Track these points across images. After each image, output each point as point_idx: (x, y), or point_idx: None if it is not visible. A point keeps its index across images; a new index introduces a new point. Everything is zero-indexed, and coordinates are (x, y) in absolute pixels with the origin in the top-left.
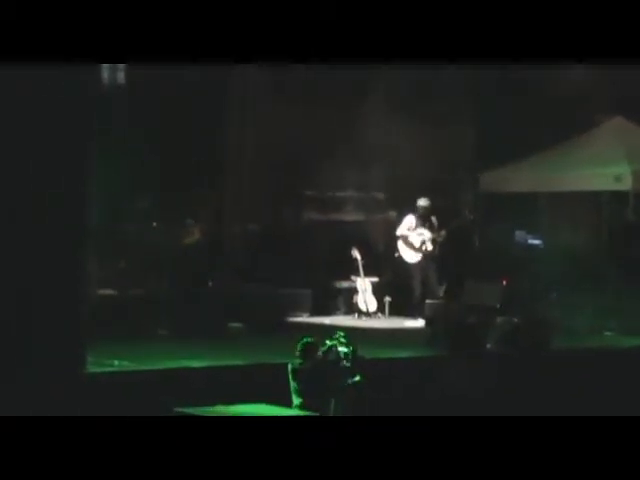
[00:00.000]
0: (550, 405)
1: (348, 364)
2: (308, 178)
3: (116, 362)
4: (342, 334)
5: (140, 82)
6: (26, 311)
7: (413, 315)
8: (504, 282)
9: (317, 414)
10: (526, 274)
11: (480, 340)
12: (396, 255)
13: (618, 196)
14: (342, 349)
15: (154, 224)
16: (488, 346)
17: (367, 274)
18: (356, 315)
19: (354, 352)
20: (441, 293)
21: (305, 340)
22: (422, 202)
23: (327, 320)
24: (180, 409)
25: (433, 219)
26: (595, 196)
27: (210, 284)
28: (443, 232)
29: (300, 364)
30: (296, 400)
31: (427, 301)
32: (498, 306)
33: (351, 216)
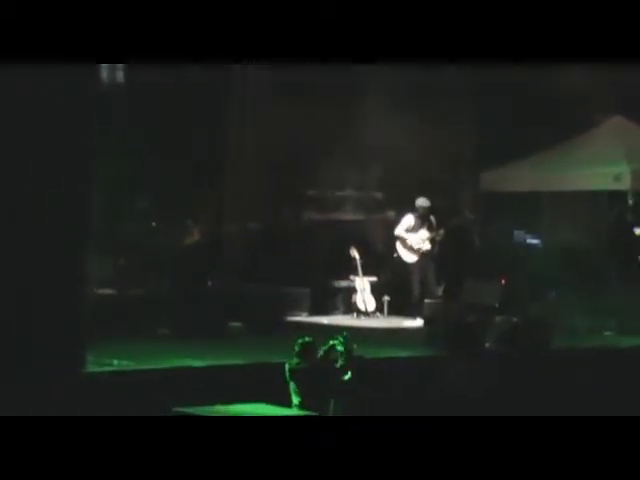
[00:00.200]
0: (549, 405)
1: (342, 362)
2: (308, 178)
3: (115, 362)
4: (345, 334)
5: (140, 82)
6: (26, 311)
7: (412, 314)
8: (503, 281)
9: (316, 413)
10: (525, 273)
11: (479, 339)
12: (395, 255)
13: (617, 196)
14: (338, 348)
15: (154, 224)
16: (487, 345)
17: (366, 273)
18: (355, 314)
19: (348, 350)
20: (440, 292)
21: (303, 340)
22: (421, 202)
23: (326, 320)
24: (180, 409)
25: (432, 219)
26: (594, 196)
27: (209, 284)
28: (442, 231)
29: (297, 364)
30: (295, 400)
31: (426, 300)
32: (497, 305)
33: (350, 216)
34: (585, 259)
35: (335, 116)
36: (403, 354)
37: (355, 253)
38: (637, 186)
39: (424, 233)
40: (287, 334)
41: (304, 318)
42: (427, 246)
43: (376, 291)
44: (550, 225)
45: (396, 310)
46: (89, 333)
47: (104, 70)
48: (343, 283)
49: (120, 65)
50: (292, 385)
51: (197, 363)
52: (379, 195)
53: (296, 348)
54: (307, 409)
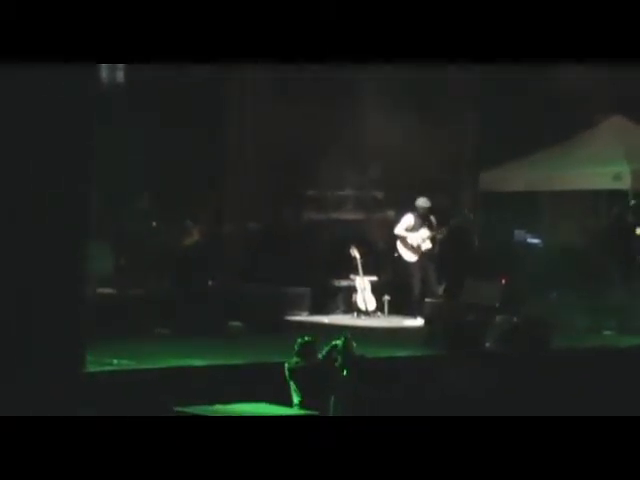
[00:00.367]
0: (549, 405)
1: (340, 361)
2: (308, 178)
3: (115, 361)
4: (346, 334)
5: (140, 82)
6: (26, 310)
7: (412, 314)
8: (503, 281)
9: (317, 412)
10: (525, 273)
11: (479, 339)
12: (395, 254)
13: (617, 195)
14: (339, 347)
15: (154, 224)
16: (487, 345)
17: (366, 273)
18: (355, 314)
19: (347, 349)
20: (440, 292)
21: (302, 339)
22: (421, 202)
23: (326, 319)
24: (180, 408)
25: (432, 218)
26: (594, 195)
27: (209, 283)
28: (444, 229)
29: (296, 363)
30: (295, 399)
31: (426, 300)
32: (497, 305)
33: (350, 215)
34: (585, 259)
35: (335, 116)
36: (403, 354)
37: (355, 252)
38: (637, 186)
39: (424, 232)
40: (287, 334)
41: (304, 318)
42: (427, 245)
43: (376, 290)
44: (550, 225)
45: (396, 309)
46: (89, 333)
47: (104, 70)
48: (343, 283)
49: (120, 65)
50: (292, 384)
51: (197, 363)
52: (379, 195)
53: (296, 348)
54: (307, 408)
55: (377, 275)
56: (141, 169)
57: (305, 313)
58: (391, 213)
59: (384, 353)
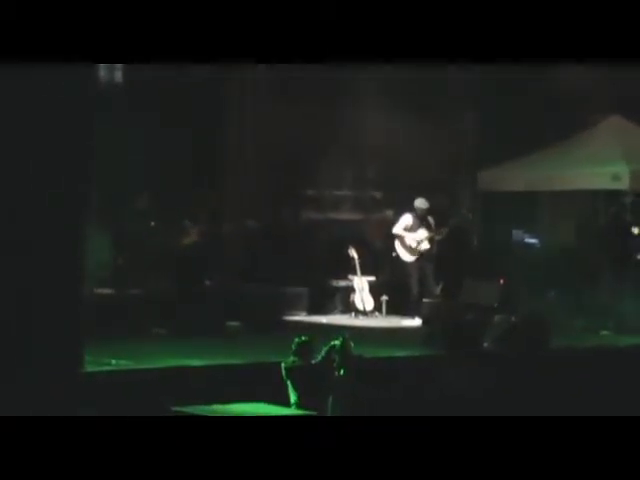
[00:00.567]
0: (547, 404)
1: (338, 360)
2: (306, 178)
3: (113, 361)
4: (344, 334)
5: (140, 82)
6: (24, 310)
7: (410, 314)
8: (501, 281)
9: (314, 411)
10: (524, 273)
11: (477, 339)
12: (393, 254)
13: (616, 195)
14: (337, 347)
15: (152, 224)
16: (485, 345)
17: (364, 273)
18: (353, 314)
19: (345, 349)
20: (438, 292)
21: (300, 339)
22: (419, 202)
23: (324, 319)
24: (178, 408)
25: (430, 219)
26: (593, 195)
27: (208, 283)
28: (444, 229)
29: (293, 362)
30: (292, 398)
31: (424, 300)
32: (495, 305)
33: (348, 215)
34: (583, 259)
35: (334, 116)
36: (401, 354)
37: (353, 253)
38: (635, 186)
39: (423, 233)
40: (286, 334)
41: (302, 318)
42: (426, 245)
43: (374, 290)
44: (548, 225)
45: (394, 310)
46: (87, 333)
47: (104, 70)
48: (341, 283)
49: (120, 65)
50: (289, 383)
51: (195, 363)
52: (377, 195)
53: (293, 347)
54: (304, 407)
55: (375, 275)
56: (140, 169)
57: (303, 313)
58: (389, 213)
59: (382, 353)
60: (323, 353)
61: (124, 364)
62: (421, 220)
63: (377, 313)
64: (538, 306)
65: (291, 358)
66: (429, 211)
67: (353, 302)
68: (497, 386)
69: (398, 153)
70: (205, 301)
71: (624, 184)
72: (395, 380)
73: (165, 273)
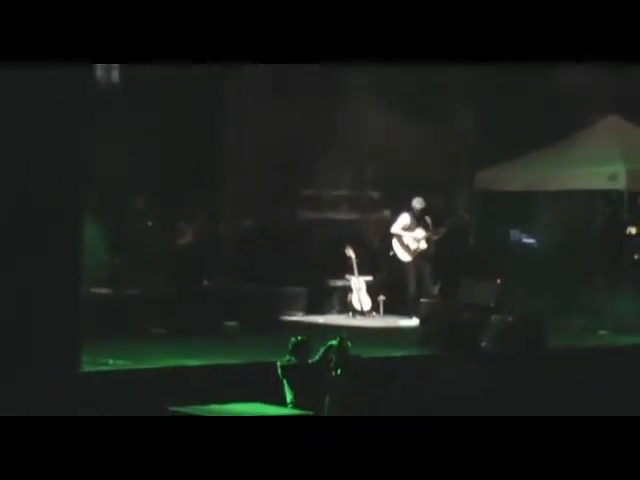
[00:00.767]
0: (545, 404)
1: (335, 360)
2: (304, 178)
3: (111, 361)
4: (342, 335)
5: (139, 82)
6: (21, 310)
7: (408, 314)
8: (499, 281)
9: (310, 411)
10: (521, 273)
11: (475, 339)
12: (391, 254)
13: (613, 195)
14: (334, 347)
15: (149, 223)
16: (483, 345)
17: (361, 273)
18: (350, 314)
19: (342, 349)
20: (436, 292)
21: (296, 339)
22: (417, 201)
23: (321, 319)
24: (175, 408)
25: (428, 218)
26: (590, 195)
27: (205, 283)
28: (441, 229)
29: (288, 361)
30: (288, 397)
31: (422, 300)
32: (493, 305)
33: (346, 215)
34: (580, 258)
35: (333, 116)
36: (399, 354)
37: (351, 252)
38: (632, 186)
39: (420, 232)
40: (283, 333)
41: (300, 317)
42: (423, 246)
43: (372, 290)
44: (546, 225)
45: (392, 310)
46: (85, 333)
47: (103, 70)
48: (339, 282)
49: (119, 65)
50: (285, 382)
51: (193, 363)
52: (375, 195)
53: (289, 347)
54: (300, 406)
55: (373, 275)
56: (140, 169)
57: (301, 313)
58: (387, 213)
59: (380, 353)
60: (321, 353)
61: (122, 364)
62: (419, 220)
63: (374, 313)
64: (535, 306)
65: (287, 357)
66: (427, 211)
67: (350, 302)
68: (494, 386)
69: (396, 153)
70: (203, 301)
71: (621, 184)
72: (392, 380)
73: (163, 273)
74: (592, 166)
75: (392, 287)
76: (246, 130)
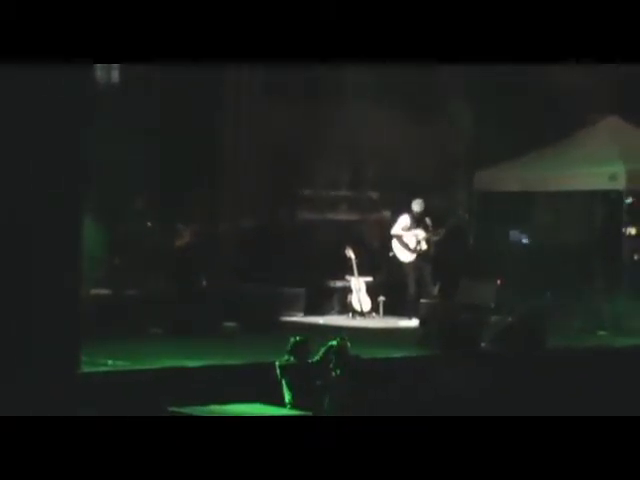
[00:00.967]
0: (544, 405)
1: (334, 360)
2: (304, 178)
3: (110, 362)
4: (342, 336)
5: (139, 82)
6: (21, 310)
7: (407, 315)
8: (498, 281)
9: (309, 411)
10: (521, 273)
11: (474, 339)
12: (390, 254)
13: (612, 195)
14: (334, 348)
15: (149, 224)
16: (482, 345)
17: (361, 274)
18: (350, 315)
19: (341, 349)
20: (435, 292)
21: (295, 339)
22: (416, 204)
23: (321, 320)
24: (175, 408)
25: (427, 219)
26: (590, 195)
27: (205, 283)
28: (441, 230)
29: (287, 360)
30: (287, 396)
31: (421, 301)
32: (492, 305)
33: (346, 216)
34: (580, 259)
35: (331, 116)
36: (398, 354)
37: (351, 253)
38: (632, 186)
39: (420, 233)
40: (283, 334)
41: (300, 318)
42: (423, 246)
43: (372, 291)
44: (545, 225)
45: (392, 310)
46: (84, 333)
47: (103, 70)
48: (339, 283)
49: (119, 65)
50: (283, 382)
51: (192, 363)
52: (374, 195)
53: (288, 347)
54: (298, 406)
55: (372, 276)
56: (139, 169)
57: (300, 314)
58: (386, 214)
59: (379, 354)
60: (321, 353)
61: (121, 364)
62: (418, 221)
63: (374, 314)
64: (535, 306)
65: (285, 357)
66: (426, 212)
67: (350, 303)
68: (494, 386)
69: (395, 153)
70: (203, 301)
71: (621, 184)
72: (392, 380)
73: (163, 273)
74: (592, 166)
75: (392, 288)
76: (246, 130)
